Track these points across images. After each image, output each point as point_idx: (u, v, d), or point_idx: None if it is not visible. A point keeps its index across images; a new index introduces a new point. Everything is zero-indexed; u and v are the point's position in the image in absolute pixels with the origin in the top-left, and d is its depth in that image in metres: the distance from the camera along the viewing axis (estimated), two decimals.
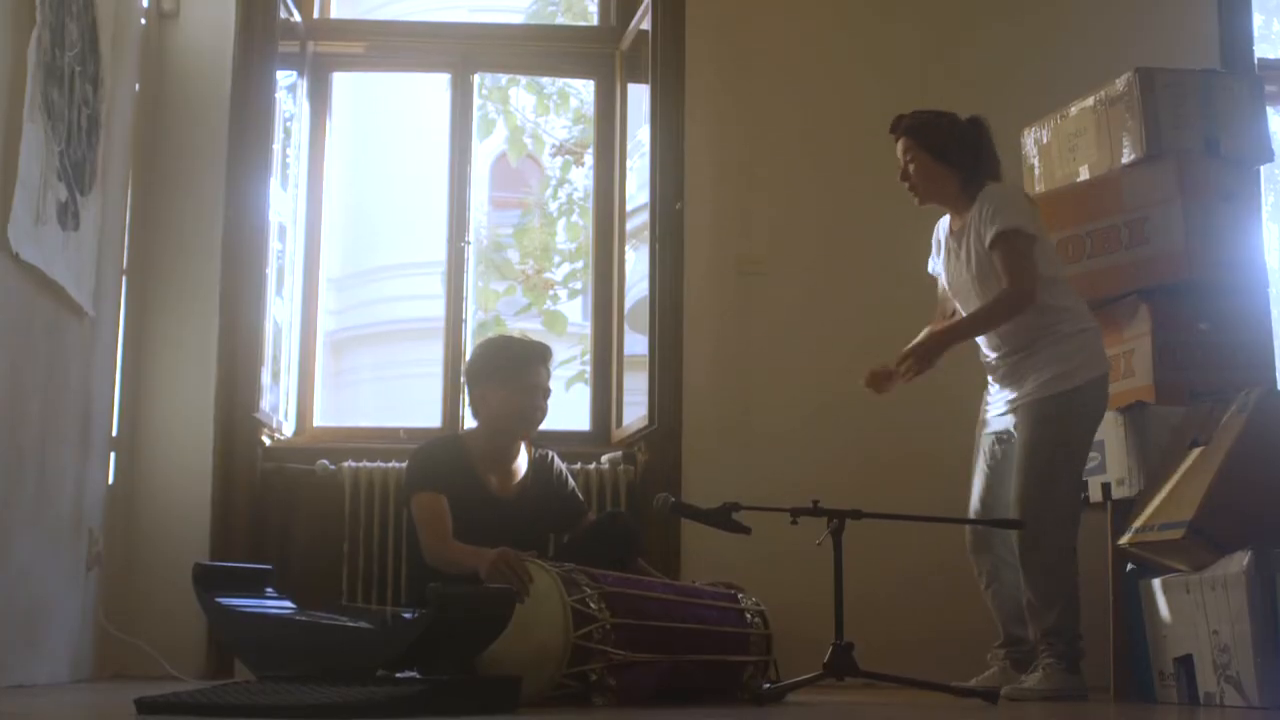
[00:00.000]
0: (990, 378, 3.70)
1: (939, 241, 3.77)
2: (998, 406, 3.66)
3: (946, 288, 3.76)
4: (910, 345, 3.58)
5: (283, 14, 4.52)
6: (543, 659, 2.93)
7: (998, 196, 3.57)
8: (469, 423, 4.52)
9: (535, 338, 4.00)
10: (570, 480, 3.79)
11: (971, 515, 3.70)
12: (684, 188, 4.53)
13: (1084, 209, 3.87)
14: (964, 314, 3.66)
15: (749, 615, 3.34)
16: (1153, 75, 3.87)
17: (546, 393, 3.68)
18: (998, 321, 3.55)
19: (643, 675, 3.04)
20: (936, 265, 3.79)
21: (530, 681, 2.87)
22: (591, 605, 3.00)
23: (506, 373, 3.62)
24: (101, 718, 2.62)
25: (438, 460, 3.58)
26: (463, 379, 3.79)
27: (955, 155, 3.62)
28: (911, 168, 3.65)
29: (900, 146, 3.67)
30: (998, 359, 3.63)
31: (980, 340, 3.66)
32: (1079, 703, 3.36)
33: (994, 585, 3.66)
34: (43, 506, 3.47)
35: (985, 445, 3.71)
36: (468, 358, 3.82)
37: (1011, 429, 3.60)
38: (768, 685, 3.26)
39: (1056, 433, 3.50)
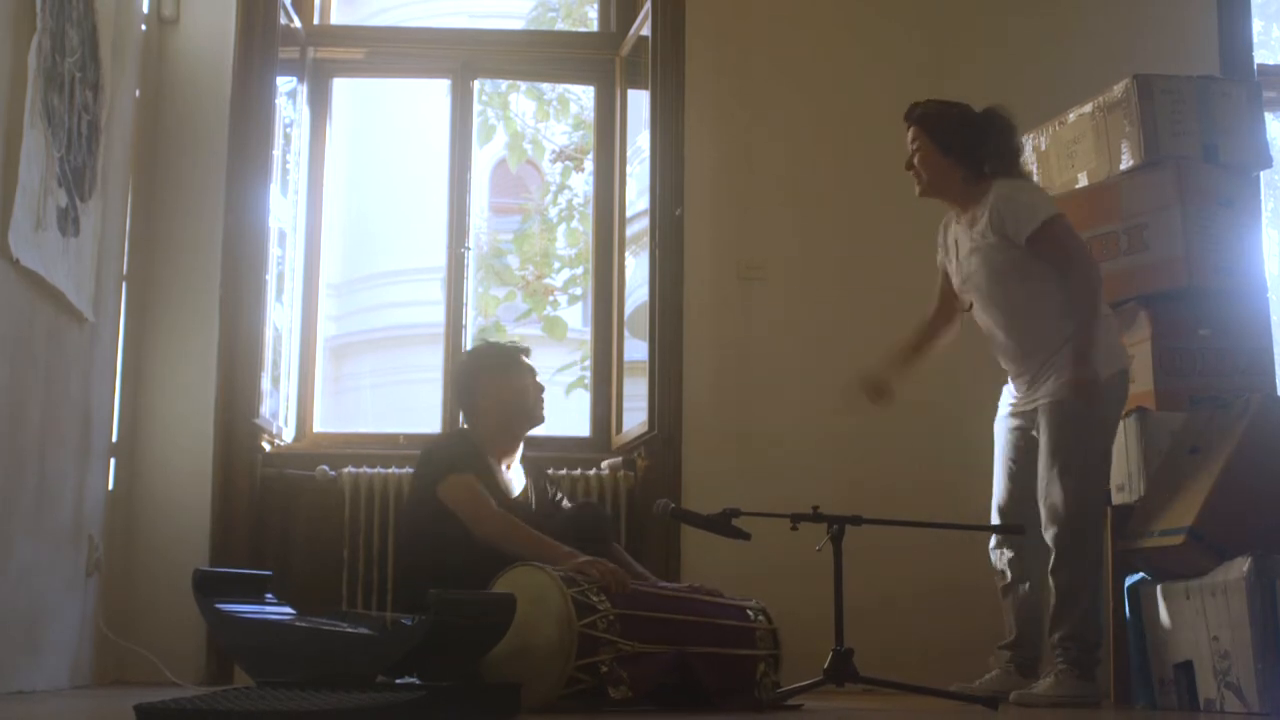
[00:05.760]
0: (1011, 377, 3.63)
1: (946, 241, 3.71)
2: (1020, 403, 3.58)
3: (958, 283, 3.67)
4: (1074, 381, 3.39)
5: (283, 20, 4.53)
6: (552, 654, 2.94)
7: (1017, 191, 3.50)
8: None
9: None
10: (563, 498, 3.79)
11: (994, 513, 3.65)
12: (684, 193, 4.53)
13: (1083, 215, 3.85)
14: (981, 310, 3.59)
15: (751, 612, 3.33)
16: (1151, 81, 3.86)
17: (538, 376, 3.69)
18: (1098, 306, 3.42)
19: (653, 666, 3.04)
20: (945, 262, 3.74)
21: (543, 679, 2.89)
22: (592, 597, 3.01)
23: (500, 364, 3.63)
24: None
25: (457, 447, 3.53)
26: (454, 389, 3.71)
27: (960, 149, 3.56)
28: (916, 158, 3.61)
29: (909, 135, 3.63)
30: (1023, 358, 3.54)
31: (997, 343, 3.59)
32: (1086, 709, 3.32)
33: (1011, 584, 3.60)
34: (43, 512, 3.47)
35: (1008, 442, 3.63)
36: (454, 372, 3.75)
37: (1034, 428, 3.52)
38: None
39: (1081, 434, 3.44)
